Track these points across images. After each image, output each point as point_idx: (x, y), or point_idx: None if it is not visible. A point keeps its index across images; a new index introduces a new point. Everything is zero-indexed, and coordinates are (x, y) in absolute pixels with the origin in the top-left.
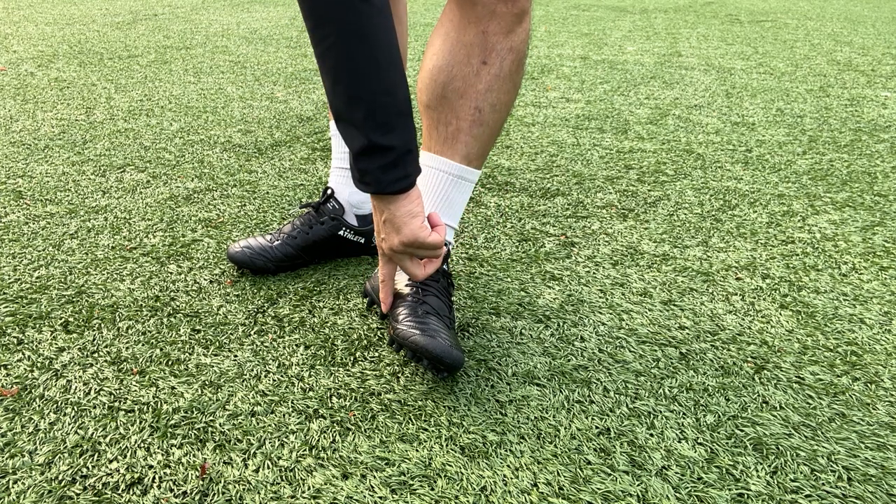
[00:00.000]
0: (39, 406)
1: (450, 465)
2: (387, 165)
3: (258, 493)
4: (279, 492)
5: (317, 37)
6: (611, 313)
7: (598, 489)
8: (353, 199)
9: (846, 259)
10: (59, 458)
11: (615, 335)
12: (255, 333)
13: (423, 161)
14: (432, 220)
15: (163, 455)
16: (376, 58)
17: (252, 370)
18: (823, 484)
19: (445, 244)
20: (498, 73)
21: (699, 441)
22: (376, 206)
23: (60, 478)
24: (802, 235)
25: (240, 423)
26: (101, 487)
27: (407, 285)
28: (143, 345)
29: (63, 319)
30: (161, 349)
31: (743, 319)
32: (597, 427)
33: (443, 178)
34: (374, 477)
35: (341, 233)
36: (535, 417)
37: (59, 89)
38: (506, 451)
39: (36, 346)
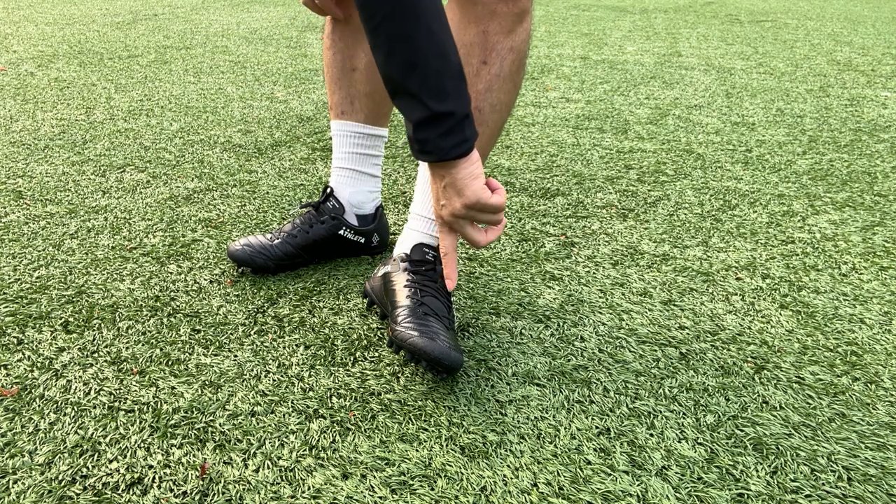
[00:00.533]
0: (39, 406)
1: (450, 465)
2: (446, 132)
3: (258, 493)
4: (279, 492)
5: (369, 11)
6: (611, 313)
7: (598, 489)
8: (354, 199)
9: (846, 259)
10: (59, 458)
11: (615, 335)
12: (255, 333)
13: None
14: (491, 184)
15: (163, 455)
16: (428, 24)
17: (252, 370)
18: (823, 484)
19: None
20: (498, 73)
21: (699, 441)
22: (435, 173)
23: (60, 478)
24: (802, 235)
25: (240, 423)
26: (101, 487)
27: (405, 286)
28: (143, 345)
29: (63, 319)
30: (161, 349)
31: (743, 319)
32: (597, 427)
33: None
34: (374, 477)
35: (341, 232)
36: (535, 417)
37: (59, 89)
38: (506, 451)
39: (36, 346)
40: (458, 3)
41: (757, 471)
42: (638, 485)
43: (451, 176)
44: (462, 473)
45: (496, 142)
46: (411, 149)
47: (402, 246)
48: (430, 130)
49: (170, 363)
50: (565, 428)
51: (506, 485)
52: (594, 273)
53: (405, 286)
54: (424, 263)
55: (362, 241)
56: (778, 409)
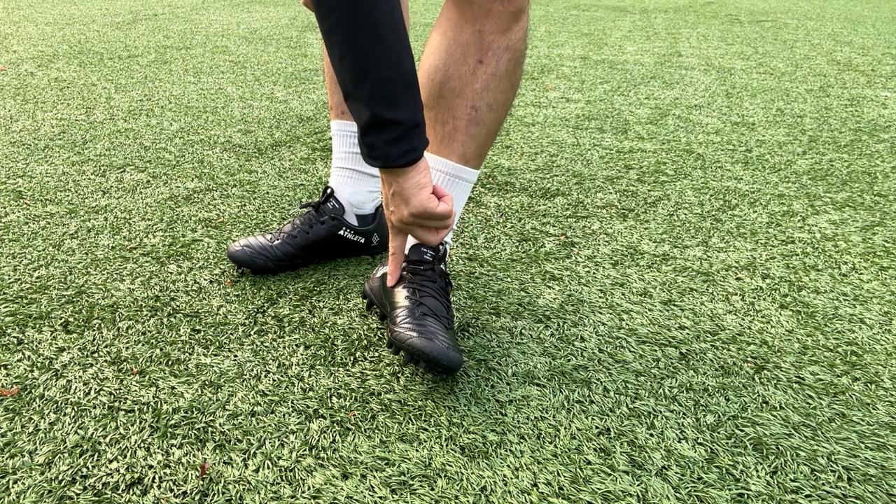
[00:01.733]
0: (39, 406)
1: (450, 465)
2: (394, 139)
3: (258, 493)
4: (279, 492)
5: (323, 12)
6: (611, 313)
7: (598, 489)
8: (354, 199)
9: (846, 259)
10: (59, 458)
11: (615, 335)
12: (255, 333)
13: None
14: (438, 192)
15: (163, 455)
16: (380, 32)
17: (252, 370)
18: (823, 484)
19: (442, 244)
20: (494, 73)
21: (699, 441)
22: (384, 180)
23: (60, 478)
24: (802, 235)
25: (240, 423)
26: (101, 487)
27: (404, 286)
28: (143, 345)
29: (63, 319)
30: (161, 349)
31: (743, 319)
32: (597, 427)
33: (440, 177)
34: (374, 477)
35: (341, 232)
36: (535, 417)
37: (59, 89)
38: (506, 451)
39: (36, 346)
40: (455, 2)
41: (757, 471)
42: (638, 485)
43: (398, 184)
44: (462, 473)
45: (494, 141)
46: (361, 151)
47: None
48: (377, 136)
49: (170, 363)
50: (565, 428)
51: (506, 485)
52: (594, 273)
53: (404, 287)
54: (422, 263)
55: (362, 241)
56: (778, 409)
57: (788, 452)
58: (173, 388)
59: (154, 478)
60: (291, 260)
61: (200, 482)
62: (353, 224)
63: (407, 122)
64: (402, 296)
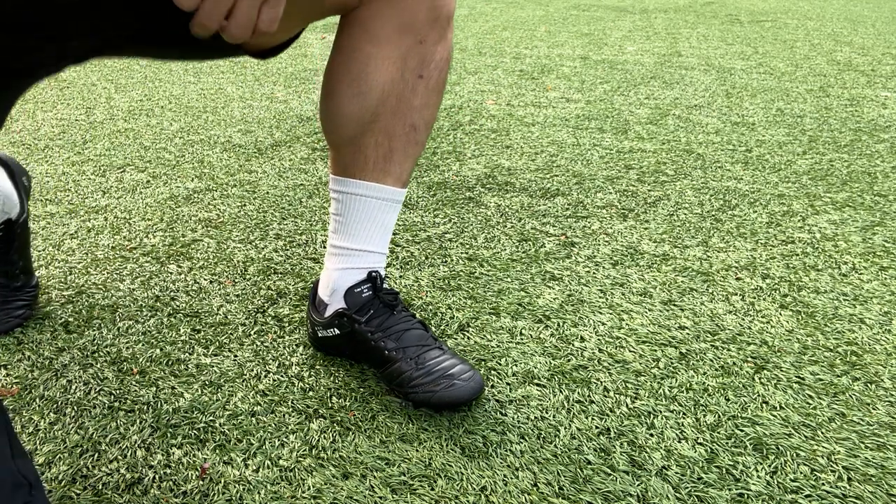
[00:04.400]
0: (39, 406)
1: (450, 465)
2: None
3: (258, 493)
4: (279, 492)
5: None
6: (611, 313)
7: (598, 489)
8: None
9: (846, 259)
10: (59, 458)
11: (615, 335)
12: (255, 333)
13: (353, 190)
14: None
15: (163, 455)
16: None
17: (252, 370)
18: (823, 484)
19: (375, 272)
20: (433, 87)
21: (699, 441)
22: None
23: (60, 478)
24: (802, 235)
25: (240, 423)
26: (101, 487)
27: (373, 343)
28: (143, 345)
29: (63, 319)
30: (161, 349)
31: (743, 319)
32: (597, 427)
33: (378, 205)
34: (375, 477)
35: None
36: (535, 417)
37: (59, 89)
38: (506, 451)
39: (36, 346)
40: (377, 15)
41: (757, 471)
42: (638, 485)
43: None
44: (462, 473)
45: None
46: None
47: (333, 296)
48: None
49: (170, 363)
50: (565, 428)
51: (506, 485)
52: (594, 273)
53: (373, 343)
54: (367, 307)
55: None
56: (778, 409)
57: (788, 452)
58: (173, 388)
59: (154, 478)
60: None
61: (200, 482)
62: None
63: None
64: (382, 354)
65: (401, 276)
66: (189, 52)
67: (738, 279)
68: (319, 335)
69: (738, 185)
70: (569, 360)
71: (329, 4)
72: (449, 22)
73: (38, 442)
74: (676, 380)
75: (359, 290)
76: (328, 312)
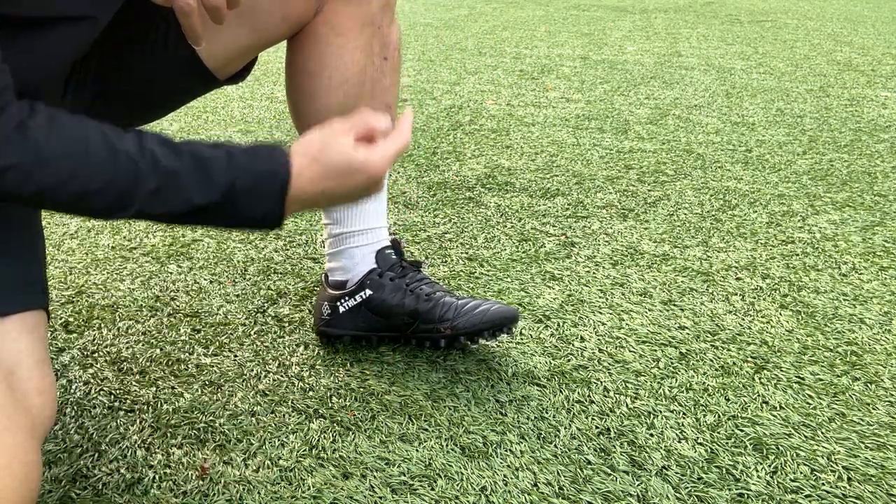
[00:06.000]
0: None
1: (450, 465)
2: (234, 213)
3: (258, 493)
4: (279, 492)
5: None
6: (611, 313)
7: (598, 489)
8: None
9: (846, 259)
10: (59, 458)
11: (615, 335)
12: (255, 333)
13: None
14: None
15: (163, 455)
16: (85, 154)
17: (252, 370)
18: (823, 484)
19: (395, 240)
20: (395, 66)
21: (699, 441)
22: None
23: (60, 478)
24: (802, 235)
25: (240, 422)
26: (101, 487)
27: (408, 290)
28: (143, 345)
29: (63, 319)
30: (161, 349)
31: (743, 319)
32: (597, 427)
33: None
34: (375, 477)
35: None
36: (535, 417)
37: None
38: (506, 451)
39: None
40: (334, 10)
41: (757, 471)
42: (638, 485)
43: (314, 192)
44: (462, 473)
45: None
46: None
47: (359, 266)
48: (217, 218)
49: (170, 363)
50: (565, 428)
51: (506, 485)
52: (594, 273)
53: (410, 291)
54: (395, 267)
55: None
56: (778, 409)
57: (788, 452)
58: (173, 388)
59: (154, 478)
60: None
61: (200, 482)
62: None
63: (221, 191)
64: (416, 298)
65: None
66: (170, 96)
67: (738, 279)
68: (341, 310)
69: (738, 185)
70: (569, 360)
71: (288, 25)
72: (392, 6)
73: None
74: (676, 380)
75: (388, 251)
76: (353, 282)
